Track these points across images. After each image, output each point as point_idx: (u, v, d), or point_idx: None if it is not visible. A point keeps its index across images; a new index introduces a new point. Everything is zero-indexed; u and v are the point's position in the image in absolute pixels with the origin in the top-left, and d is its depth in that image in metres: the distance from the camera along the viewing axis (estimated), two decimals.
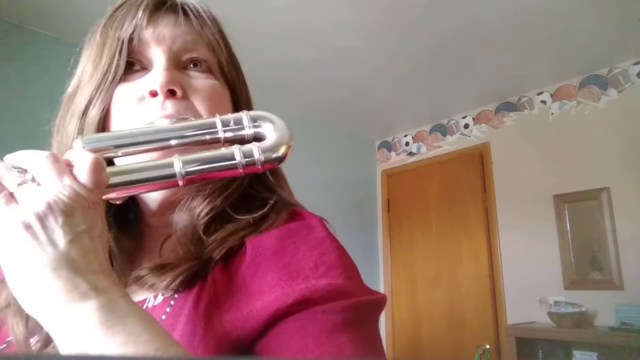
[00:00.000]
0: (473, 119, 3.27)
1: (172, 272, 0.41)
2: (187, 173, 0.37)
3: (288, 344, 0.34)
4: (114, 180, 0.35)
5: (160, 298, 0.41)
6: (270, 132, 0.40)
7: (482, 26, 2.25)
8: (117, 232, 0.47)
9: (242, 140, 0.41)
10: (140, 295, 0.43)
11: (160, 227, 0.48)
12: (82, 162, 0.33)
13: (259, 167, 0.39)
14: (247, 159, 0.38)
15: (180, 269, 0.41)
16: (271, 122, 0.41)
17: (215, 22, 0.50)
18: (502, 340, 2.75)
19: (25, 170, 0.32)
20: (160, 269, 0.41)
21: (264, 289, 0.37)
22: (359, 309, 0.37)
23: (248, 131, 0.41)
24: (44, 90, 2.07)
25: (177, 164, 0.37)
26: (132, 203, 0.50)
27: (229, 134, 0.40)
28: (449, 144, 3.39)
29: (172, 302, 0.40)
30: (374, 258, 3.60)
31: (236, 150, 0.38)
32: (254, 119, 0.41)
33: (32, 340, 0.40)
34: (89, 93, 0.45)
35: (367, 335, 0.37)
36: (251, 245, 0.42)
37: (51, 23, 2.14)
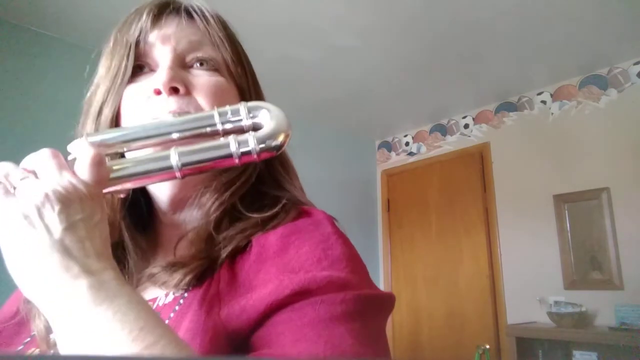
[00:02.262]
0: (473, 119, 3.27)
1: (182, 270, 0.42)
2: (184, 164, 0.37)
3: (283, 334, 0.33)
4: (114, 174, 0.36)
5: (170, 296, 0.42)
6: (268, 121, 0.40)
7: (483, 26, 2.26)
8: (133, 230, 0.49)
9: (241, 131, 0.41)
10: (152, 293, 0.44)
11: (174, 225, 0.49)
12: (83, 157, 0.35)
13: (255, 156, 0.39)
14: (242, 149, 0.38)
15: (189, 267, 0.41)
16: (268, 111, 0.41)
17: (220, 21, 0.51)
18: (502, 340, 2.75)
19: (33, 171, 0.34)
20: (172, 266, 0.42)
21: (263, 283, 0.37)
22: (361, 302, 0.36)
23: (246, 122, 0.41)
24: (52, 92, 2.09)
25: (174, 156, 0.37)
26: (146, 202, 0.51)
27: (228, 126, 0.41)
28: (449, 144, 3.39)
29: (181, 301, 0.41)
30: (374, 258, 3.60)
31: (231, 141, 0.38)
32: (251, 110, 0.41)
33: (52, 336, 0.41)
34: (101, 96, 0.47)
35: (368, 328, 0.35)
36: (257, 243, 0.42)
37: (59, 26, 2.15)
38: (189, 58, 0.48)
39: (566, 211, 2.68)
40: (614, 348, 2.19)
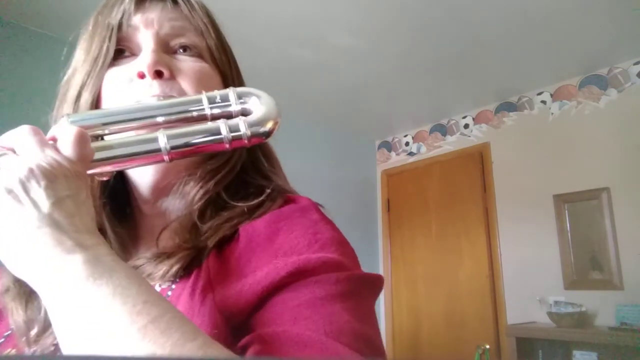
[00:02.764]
0: (473, 119, 3.27)
1: (168, 261, 0.40)
2: (172, 147, 0.37)
3: (282, 314, 0.34)
4: (98, 155, 0.35)
5: (157, 289, 0.40)
6: (258, 107, 0.40)
7: (482, 26, 2.26)
8: (112, 219, 0.47)
9: (229, 117, 0.40)
10: None
11: (155, 216, 0.48)
12: (66, 135, 0.33)
13: (246, 141, 0.38)
14: (233, 133, 0.38)
15: (175, 258, 0.40)
16: (258, 97, 0.41)
17: (204, 8, 0.50)
18: (502, 340, 2.75)
19: (12, 148, 0.32)
20: (157, 258, 0.41)
21: (257, 268, 0.37)
22: (353, 282, 0.36)
23: (235, 107, 0.40)
24: (41, 89, 2.09)
25: (162, 139, 0.36)
26: (126, 191, 0.49)
27: (215, 110, 0.40)
28: (449, 144, 3.39)
29: (169, 293, 0.40)
30: (374, 258, 3.60)
31: (222, 125, 0.38)
32: (240, 95, 0.41)
33: (32, 332, 0.39)
34: (81, 79, 0.46)
35: (362, 307, 0.36)
36: (244, 231, 0.42)
37: (49, 22, 2.14)
38: (172, 43, 0.47)
39: (566, 211, 2.67)
40: (614, 348, 2.18)
